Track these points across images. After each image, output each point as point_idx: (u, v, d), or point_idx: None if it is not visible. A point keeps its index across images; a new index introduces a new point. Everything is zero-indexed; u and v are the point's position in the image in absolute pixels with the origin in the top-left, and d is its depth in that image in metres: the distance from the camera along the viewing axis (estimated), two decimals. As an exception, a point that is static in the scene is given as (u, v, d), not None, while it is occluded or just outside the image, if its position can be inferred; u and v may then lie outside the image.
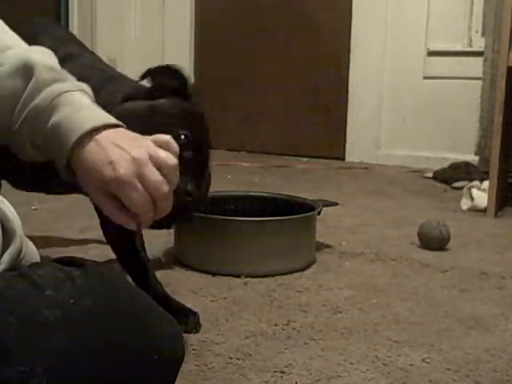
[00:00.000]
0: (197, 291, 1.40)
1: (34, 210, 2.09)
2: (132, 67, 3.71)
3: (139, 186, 0.75)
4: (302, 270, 1.57)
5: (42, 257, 0.81)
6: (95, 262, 0.78)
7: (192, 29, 3.98)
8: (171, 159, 0.78)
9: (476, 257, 1.75)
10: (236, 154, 3.70)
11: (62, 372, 0.64)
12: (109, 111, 0.84)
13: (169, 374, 0.77)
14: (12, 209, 0.77)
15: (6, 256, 0.73)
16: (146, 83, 1.14)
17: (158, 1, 4.05)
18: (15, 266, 0.74)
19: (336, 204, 1.83)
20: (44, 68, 0.82)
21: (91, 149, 0.76)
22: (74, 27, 4.01)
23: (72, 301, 0.67)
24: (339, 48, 3.61)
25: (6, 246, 0.74)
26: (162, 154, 0.77)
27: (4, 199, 0.78)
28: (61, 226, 1.94)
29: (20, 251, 0.75)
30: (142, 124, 0.93)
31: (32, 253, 0.80)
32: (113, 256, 1.34)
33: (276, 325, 1.22)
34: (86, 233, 1.86)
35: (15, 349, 0.62)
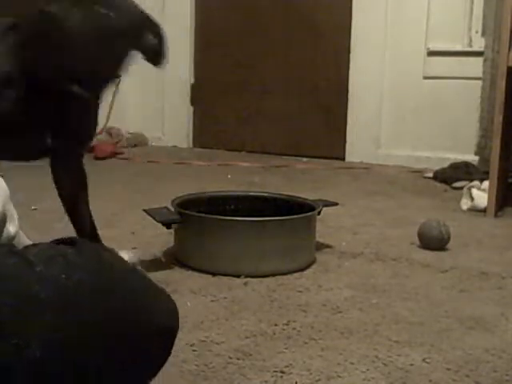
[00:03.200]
0: (197, 291, 1.40)
1: (34, 209, 2.09)
2: (132, 67, 3.71)
3: None
4: (302, 270, 1.57)
5: None
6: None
7: (192, 29, 3.98)
8: None
9: (476, 257, 1.74)
10: (236, 154, 3.70)
11: (56, 345, 0.64)
12: None
13: (165, 346, 0.78)
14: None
15: None
16: None
17: (158, 2, 4.05)
18: None
19: (336, 204, 1.83)
20: None
21: None
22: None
23: (64, 276, 0.68)
24: (339, 48, 3.61)
25: None
26: None
27: None
28: (61, 226, 1.94)
29: (4, 217, 0.75)
30: None
31: (22, 238, 0.81)
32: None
33: (276, 325, 1.22)
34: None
35: (8, 322, 0.63)
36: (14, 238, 0.79)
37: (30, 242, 0.83)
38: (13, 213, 0.82)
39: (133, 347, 0.71)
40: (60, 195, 1.40)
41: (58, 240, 0.78)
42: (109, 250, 0.82)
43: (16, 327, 0.63)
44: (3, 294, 0.64)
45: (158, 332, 0.74)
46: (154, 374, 0.79)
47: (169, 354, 0.80)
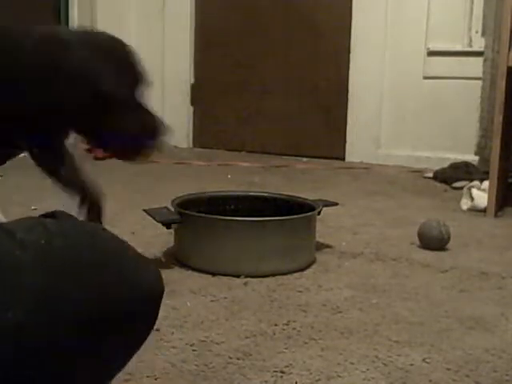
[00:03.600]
0: (197, 291, 1.40)
1: (34, 209, 2.09)
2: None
3: None
4: (302, 270, 1.57)
5: None
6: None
7: (192, 29, 3.98)
8: None
9: (476, 257, 1.74)
10: (236, 154, 3.70)
11: (38, 309, 0.64)
12: None
13: (150, 310, 0.78)
14: None
15: None
16: None
17: (158, 2, 4.05)
18: None
19: (336, 204, 1.83)
20: None
21: None
22: (74, 27, 4.01)
23: (43, 241, 0.68)
24: (339, 48, 3.61)
25: None
26: None
27: None
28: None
29: None
30: None
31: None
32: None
33: (276, 325, 1.22)
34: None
35: None
36: None
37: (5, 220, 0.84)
38: None
39: (116, 312, 0.71)
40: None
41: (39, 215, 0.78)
42: (88, 221, 0.83)
43: None
44: None
45: (142, 296, 0.74)
46: (141, 343, 0.78)
47: (155, 319, 0.79)
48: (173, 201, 1.67)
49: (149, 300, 0.77)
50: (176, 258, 1.62)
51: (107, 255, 0.73)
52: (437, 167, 3.11)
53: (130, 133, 1.41)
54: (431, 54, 3.41)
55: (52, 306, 0.65)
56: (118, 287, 0.72)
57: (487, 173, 2.32)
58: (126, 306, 0.72)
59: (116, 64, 1.39)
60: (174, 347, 1.10)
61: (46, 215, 0.76)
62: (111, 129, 1.40)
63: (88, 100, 1.35)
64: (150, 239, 1.80)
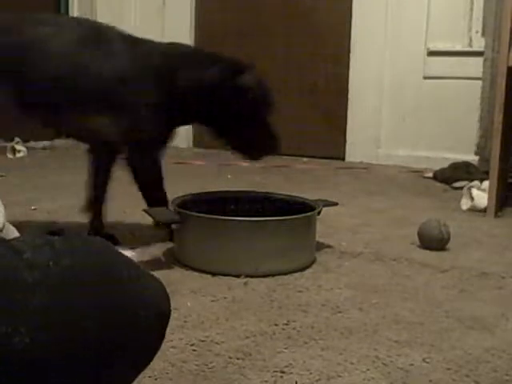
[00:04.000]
0: (197, 291, 1.40)
1: (34, 209, 2.09)
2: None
3: None
4: (302, 270, 1.57)
5: None
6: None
7: (192, 29, 3.98)
8: None
9: (476, 257, 1.74)
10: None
11: (45, 331, 0.64)
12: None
13: (156, 331, 0.77)
14: None
15: None
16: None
17: (158, 1, 4.05)
18: None
19: (336, 204, 1.83)
20: None
21: None
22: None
23: (51, 262, 0.68)
24: (339, 48, 3.61)
25: None
26: None
27: None
28: (61, 226, 1.94)
29: None
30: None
31: (12, 232, 0.82)
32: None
33: (276, 325, 1.22)
34: (85, 233, 1.86)
35: None
36: (1, 230, 0.79)
37: (18, 234, 0.83)
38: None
39: (123, 333, 0.70)
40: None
41: (45, 231, 0.78)
42: (95, 237, 0.82)
43: (4, 315, 0.62)
44: None
45: (148, 317, 0.74)
46: (148, 362, 0.79)
47: (161, 339, 0.79)
48: (173, 201, 1.67)
49: (155, 321, 0.76)
50: (176, 258, 1.62)
51: (114, 276, 0.73)
52: (437, 167, 3.11)
53: (265, 137, 1.79)
54: (431, 54, 3.41)
55: (57, 326, 0.65)
56: (124, 308, 0.71)
57: (487, 173, 2.32)
58: (132, 327, 0.71)
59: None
60: (173, 347, 1.10)
61: (52, 232, 0.76)
62: (252, 130, 1.76)
63: (258, 109, 1.73)
64: (150, 239, 1.80)
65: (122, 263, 0.76)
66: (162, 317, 0.78)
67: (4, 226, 0.78)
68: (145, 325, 0.73)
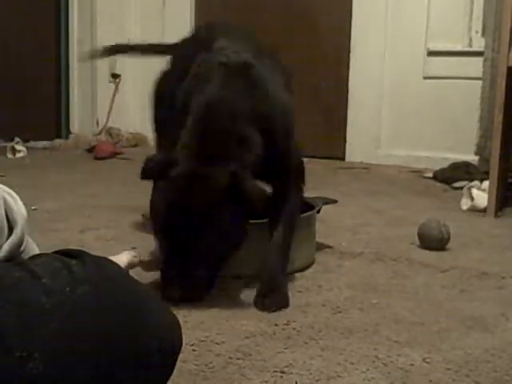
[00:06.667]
0: (197, 291, 1.39)
1: (34, 209, 2.09)
2: (132, 67, 3.71)
3: None
4: (302, 270, 1.57)
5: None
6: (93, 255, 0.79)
7: (192, 29, 3.98)
8: None
9: (476, 257, 1.74)
10: (236, 154, 3.69)
11: (59, 357, 0.64)
12: None
13: (168, 363, 0.78)
14: (20, 203, 0.79)
15: (7, 245, 0.74)
16: None
17: (158, 1, 4.05)
18: (14, 256, 0.75)
19: (335, 201, 1.83)
20: None
21: None
22: (74, 28, 4.01)
23: (68, 288, 0.68)
24: (339, 48, 3.61)
25: (7, 235, 0.75)
26: None
27: (13, 193, 0.80)
28: (61, 226, 1.94)
29: (21, 242, 0.76)
30: None
31: (32, 250, 0.82)
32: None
33: (276, 325, 1.22)
34: (85, 233, 1.86)
35: (12, 335, 0.63)
36: (22, 251, 0.80)
37: (38, 251, 0.84)
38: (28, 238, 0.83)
39: (133, 362, 0.71)
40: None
41: (61, 251, 0.78)
42: (112, 262, 0.82)
43: (20, 339, 0.63)
44: (10, 305, 0.64)
45: (159, 348, 0.74)
46: None
47: (171, 371, 0.79)
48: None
49: (167, 352, 0.76)
50: (176, 258, 1.62)
51: (126, 306, 0.73)
52: (437, 167, 3.11)
53: None
54: (431, 54, 3.41)
55: (70, 354, 0.65)
56: (137, 339, 0.71)
57: (487, 173, 2.32)
58: (143, 359, 0.72)
59: None
60: (174, 347, 1.10)
61: (69, 253, 0.76)
62: None
63: None
64: (149, 239, 1.79)
65: (139, 293, 0.77)
66: (174, 350, 0.78)
67: (24, 243, 0.78)
68: (157, 357, 0.73)
